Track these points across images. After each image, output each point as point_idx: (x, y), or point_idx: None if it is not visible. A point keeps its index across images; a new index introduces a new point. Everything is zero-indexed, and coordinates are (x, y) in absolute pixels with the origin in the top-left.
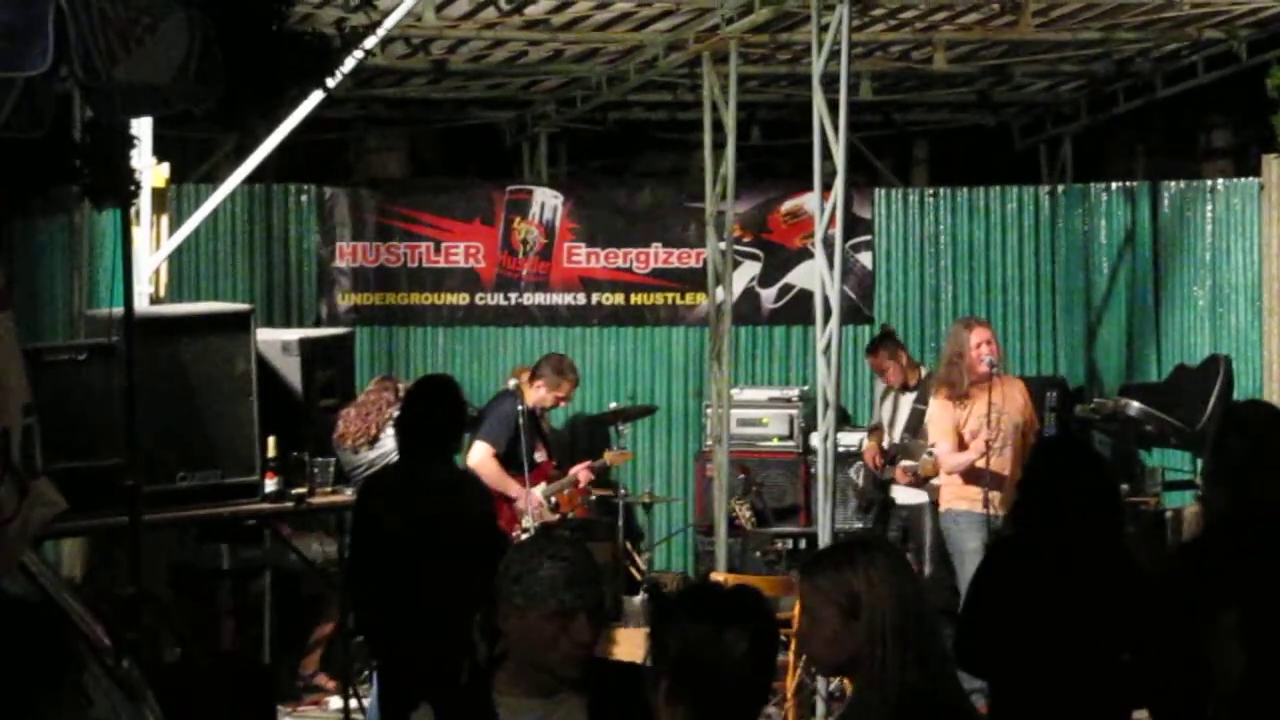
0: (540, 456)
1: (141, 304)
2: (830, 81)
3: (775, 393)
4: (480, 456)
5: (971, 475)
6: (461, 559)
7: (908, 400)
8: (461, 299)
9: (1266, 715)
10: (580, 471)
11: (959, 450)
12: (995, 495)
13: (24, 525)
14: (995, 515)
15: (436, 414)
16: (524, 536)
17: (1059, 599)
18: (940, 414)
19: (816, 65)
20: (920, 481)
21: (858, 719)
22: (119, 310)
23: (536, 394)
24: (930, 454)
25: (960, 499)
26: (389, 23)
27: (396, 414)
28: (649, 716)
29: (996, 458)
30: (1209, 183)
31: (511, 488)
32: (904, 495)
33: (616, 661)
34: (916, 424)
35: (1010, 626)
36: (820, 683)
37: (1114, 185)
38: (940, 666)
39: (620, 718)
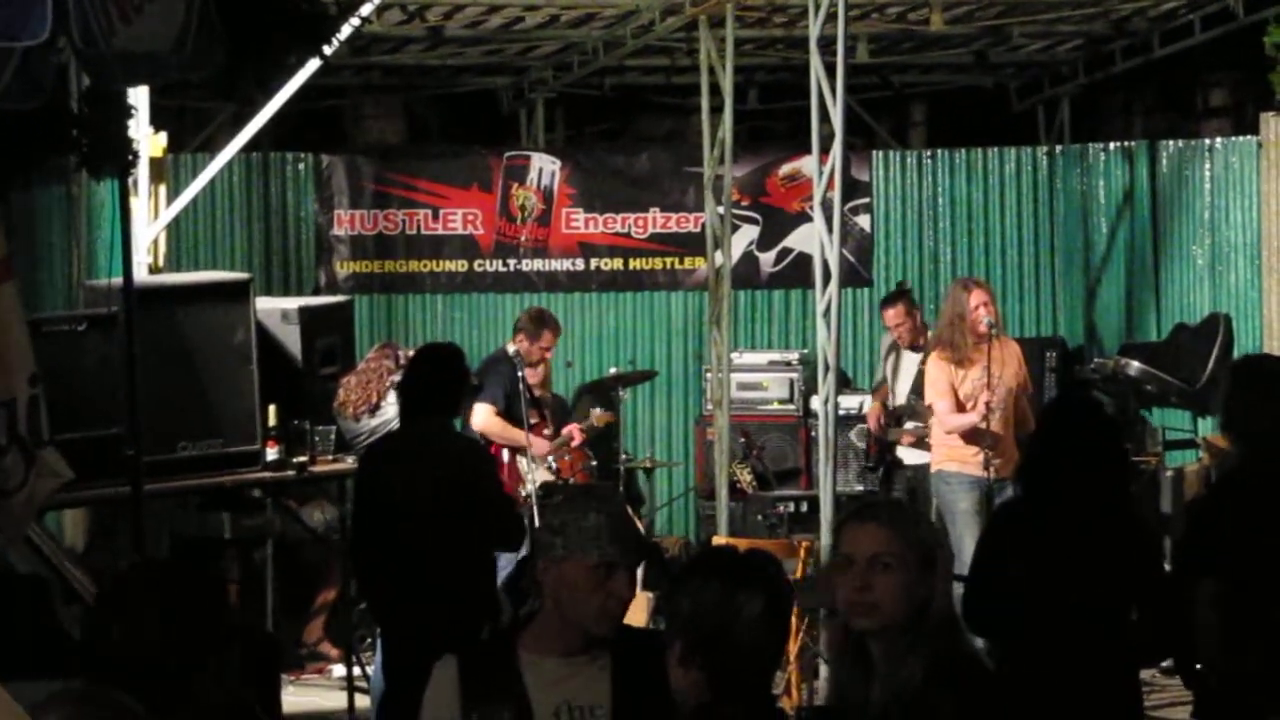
0: (533, 420)
1: (140, 274)
2: (827, 44)
3: (775, 356)
4: (484, 416)
5: (968, 437)
6: (465, 522)
7: (913, 361)
8: (460, 266)
9: (1247, 680)
10: (572, 429)
11: (957, 410)
12: (989, 456)
13: (31, 496)
14: (990, 478)
15: (439, 380)
16: (528, 497)
17: (1064, 559)
18: (937, 373)
19: (813, 28)
20: (923, 442)
21: (900, 673)
22: (118, 280)
23: (522, 347)
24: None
25: (951, 460)
26: None
27: (398, 381)
28: (669, 682)
29: (990, 420)
30: (1207, 141)
31: (521, 440)
32: (910, 456)
33: (640, 629)
34: (922, 385)
35: (1017, 587)
36: (824, 645)
37: (1112, 145)
38: (961, 626)
39: (642, 683)
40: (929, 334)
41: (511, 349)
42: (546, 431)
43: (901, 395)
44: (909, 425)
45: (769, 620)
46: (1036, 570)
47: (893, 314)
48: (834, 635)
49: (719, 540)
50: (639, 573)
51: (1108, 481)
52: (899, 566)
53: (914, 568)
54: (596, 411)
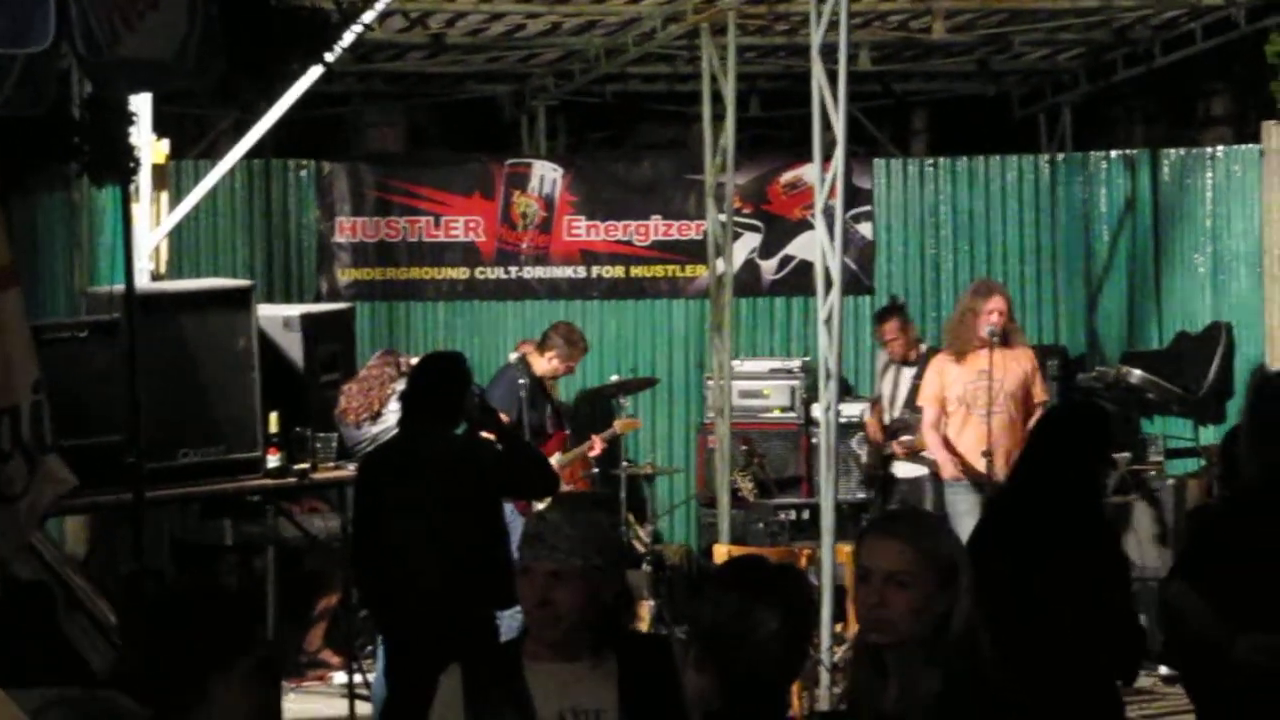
0: (552, 428)
1: (142, 281)
2: (829, 52)
3: (776, 364)
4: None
5: (956, 443)
6: (466, 528)
7: (908, 375)
8: (461, 273)
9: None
10: (594, 440)
11: (939, 420)
12: (987, 462)
13: (34, 502)
14: (994, 481)
15: (441, 388)
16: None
17: (1043, 567)
18: (931, 377)
19: (815, 36)
20: (915, 454)
21: (915, 686)
22: (120, 287)
23: (549, 364)
24: None
25: (950, 465)
26: None
27: (400, 388)
28: (676, 687)
29: (991, 423)
30: (1209, 150)
31: None
32: (903, 469)
33: (646, 633)
34: (915, 398)
35: (1002, 594)
36: (825, 654)
37: (1114, 153)
38: (982, 639)
39: (648, 687)
40: (922, 348)
41: (514, 356)
42: (565, 434)
43: (897, 410)
44: (903, 438)
45: (785, 637)
46: (1017, 576)
47: (889, 328)
48: (855, 641)
49: (720, 549)
50: (642, 577)
51: (1083, 488)
52: (914, 584)
53: (931, 585)
54: (620, 419)
